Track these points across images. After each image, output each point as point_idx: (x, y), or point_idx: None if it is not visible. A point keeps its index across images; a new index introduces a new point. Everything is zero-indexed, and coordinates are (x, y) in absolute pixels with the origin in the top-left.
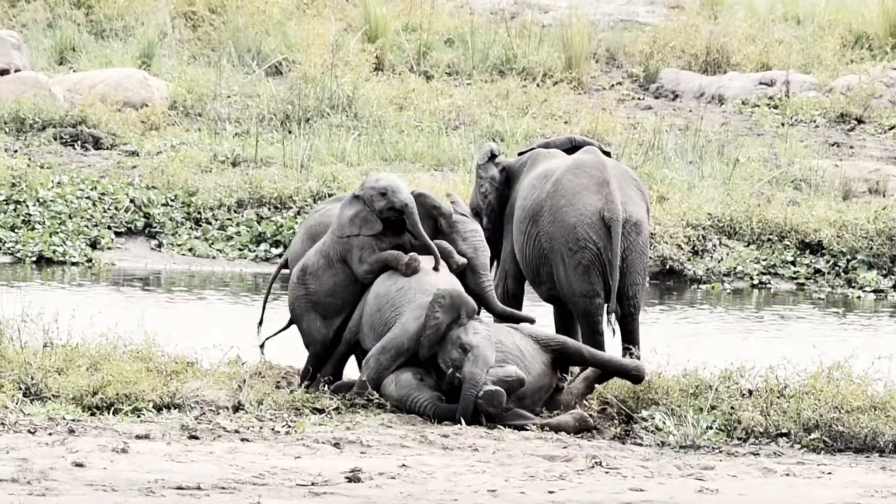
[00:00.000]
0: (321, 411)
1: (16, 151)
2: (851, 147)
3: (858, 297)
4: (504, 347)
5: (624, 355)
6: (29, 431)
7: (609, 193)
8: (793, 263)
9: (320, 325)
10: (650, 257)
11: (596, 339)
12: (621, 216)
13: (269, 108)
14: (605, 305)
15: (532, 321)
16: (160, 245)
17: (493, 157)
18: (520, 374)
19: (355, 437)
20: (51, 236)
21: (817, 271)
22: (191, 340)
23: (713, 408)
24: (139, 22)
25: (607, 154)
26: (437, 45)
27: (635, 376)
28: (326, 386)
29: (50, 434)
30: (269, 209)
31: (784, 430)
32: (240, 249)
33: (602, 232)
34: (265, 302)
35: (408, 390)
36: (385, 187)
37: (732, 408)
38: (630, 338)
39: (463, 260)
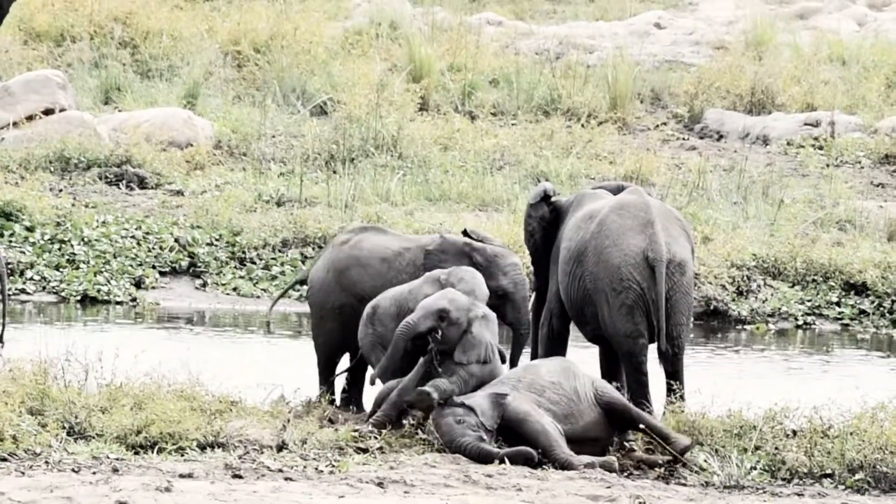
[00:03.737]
0: (365, 451)
1: (61, 191)
2: None
3: None
4: (561, 389)
5: (668, 392)
6: (73, 470)
7: (653, 234)
8: (837, 304)
9: None
10: (694, 298)
11: (640, 380)
12: (665, 256)
13: (313, 147)
14: (649, 346)
15: None
16: (205, 284)
17: (546, 197)
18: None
19: (399, 477)
20: (95, 275)
21: (862, 312)
22: (235, 379)
23: (757, 448)
24: (184, 62)
25: None
26: (481, 85)
27: (675, 446)
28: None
29: (94, 473)
30: (314, 249)
31: (828, 471)
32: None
33: (646, 272)
34: (274, 303)
35: (450, 437)
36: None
37: (776, 448)
38: (674, 377)
39: None
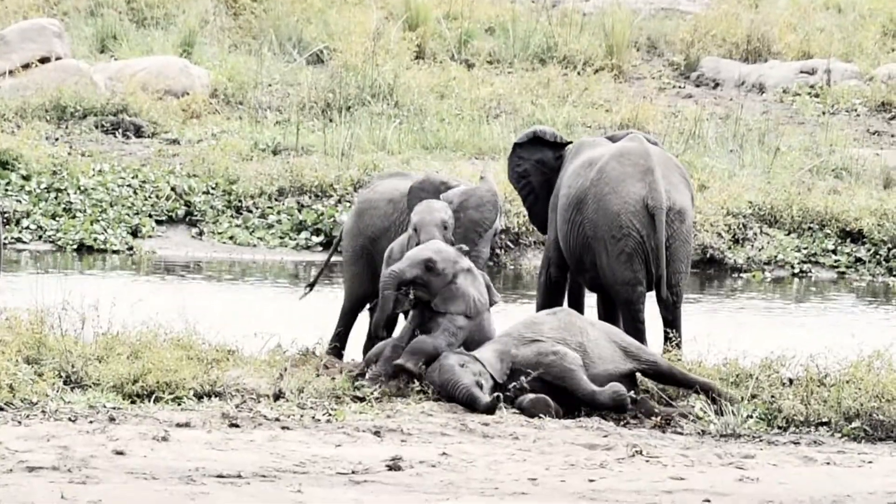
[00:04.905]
0: (362, 399)
1: (57, 139)
2: (892, 136)
3: None
4: (565, 344)
5: (665, 341)
6: (69, 419)
7: (653, 181)
8: (833, 252)
9: None
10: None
11: (637, 328)
12: (665, 204)
13: (310, 96)
14: (646, 294)
15: None
16: (201, 233)
17: (537, 139)
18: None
19: (396, 426)
20: (92, 224)
21: (858, 260)
22: (231, 328)
23: (754, 396)
24: (180, 10)
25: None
26: (477, 33)
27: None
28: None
29: (90, 422)
30: (310, 197)
31: (824, 419)
32: (280, 237)
33: (645, 220)
34: (322, 268)
35: (450, 375)
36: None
37: (773, 397)
38: (672, 326)
39: None
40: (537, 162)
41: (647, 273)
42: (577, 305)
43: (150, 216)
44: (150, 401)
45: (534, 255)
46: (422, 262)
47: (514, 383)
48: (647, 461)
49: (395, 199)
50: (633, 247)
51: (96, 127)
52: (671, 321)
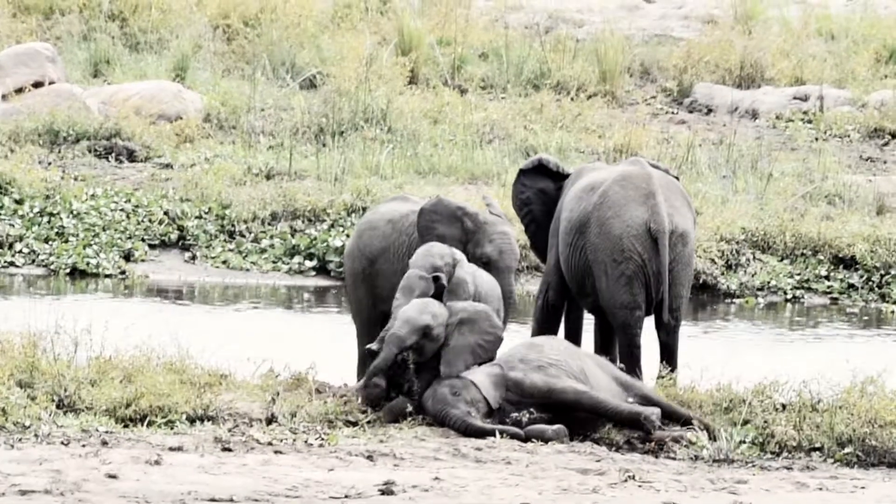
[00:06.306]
0: (354, 424)
1: (50, 164)
2: (885, 162)
3: (892, 312)
4: (567, 366)
5: (661, 365)
6: (62, 443)
7: (655, 205)
8: (826, 278)
9: None
10: None
11: (633, 353)
12: (667, 227)
13: (303, 121)
14: (644, 318)
15: None
16: (194, 257)
17: (541, 167)
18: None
19: (388, 450)
20: (84, 248)
21: (851, 286)
22: (224, 353)
23: (746, 422)
24: (174, 35)
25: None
26: (471, 58)
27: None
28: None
29: (83, 446)
30: (303, 222)
31: (817, 445)
32: (273, 262)
33: (647, 243)
34: None
35: (442, 405)
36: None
37: (766, 422)
38: (670, 350)
39: None
40: (539, 191)
41: (646, 297)
42: (576, 332)
43: (143, 240)
44: (142, 425)
45: (527, 280)
46: (420, 328)
47: (517, 414)
48: (640, 486)
49: (394, 219)
50: (634, 270)
51: (89, 151)
52: (669, 345)
